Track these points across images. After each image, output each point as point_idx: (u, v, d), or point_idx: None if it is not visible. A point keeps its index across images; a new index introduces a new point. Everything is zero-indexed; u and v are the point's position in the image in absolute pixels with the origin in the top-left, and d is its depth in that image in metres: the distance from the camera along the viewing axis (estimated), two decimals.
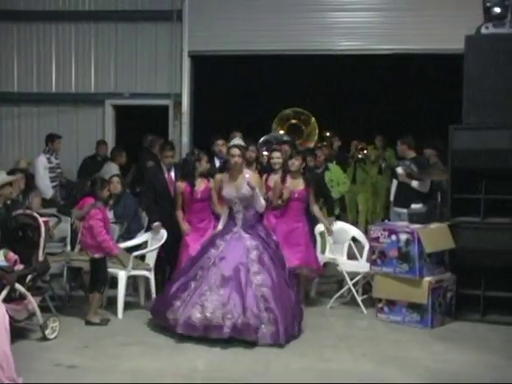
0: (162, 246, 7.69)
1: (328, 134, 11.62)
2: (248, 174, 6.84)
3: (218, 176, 7.09)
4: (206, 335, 6.19)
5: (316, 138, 10.09)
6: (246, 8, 11.21)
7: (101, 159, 10.70)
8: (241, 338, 6.16)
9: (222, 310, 6.19)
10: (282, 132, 9.96)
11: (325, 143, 10.92)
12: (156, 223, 7.87)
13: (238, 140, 6.94)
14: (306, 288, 8.02)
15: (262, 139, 9.30)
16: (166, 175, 8.16)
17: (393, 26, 10.91)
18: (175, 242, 7.73)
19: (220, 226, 6.99)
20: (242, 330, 6.12)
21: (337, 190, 9.13)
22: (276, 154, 7.99)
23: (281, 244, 7.13)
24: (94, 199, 7.14)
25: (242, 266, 6.43)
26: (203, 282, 6.43)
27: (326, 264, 8.23)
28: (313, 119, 10.04)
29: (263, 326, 6.16)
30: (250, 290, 6.30)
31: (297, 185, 7.71)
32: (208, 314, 6.18)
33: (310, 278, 7.98)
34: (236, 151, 6.76)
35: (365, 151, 11.21)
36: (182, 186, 7.63)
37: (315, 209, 7.90)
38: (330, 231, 7.96)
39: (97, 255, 7.02)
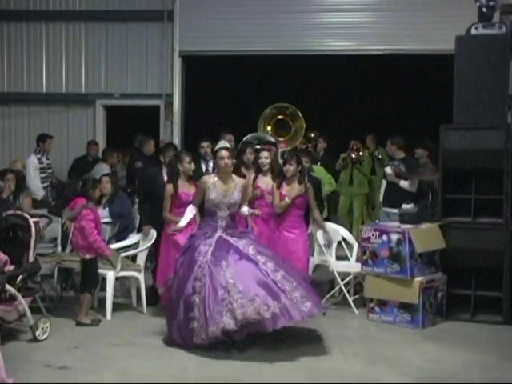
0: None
1: (312, 134, 11.15)
2: (235, 177, 6.64)
3: (206, 177, 6.71)
4: (244, 333, 5.96)
5: (302, 134, 9.63)
6: (238, 8, 11.22)
7: (91, 159, 10.67)
8: (284, 325, 5.95)
9: (252, 306, 5.83)
10: (268, 128, 9.55)
11: (309, 145, 10.64)
12: (146, 226, 7.74)
13: (224, 143, 6.67)
14: None
15: (243, 140, 8.87)
16: (166, 177, 7.66)
17: (384, 27, 10.94)
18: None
19: (181, 223, 6.73)
20: (283, 315, 5.87)
21: (323, 191, 8.99)
22: (264, 154, 7.67)
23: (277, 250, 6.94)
24: (85, 200, 7.13)
25: (250, 261, 6.14)
26: (210, 290, 5.98)
27: (316, 266, 8.21)
28: (300, 113, 9.52)
29: (302, 303, 5.96)
30: (269, 277, 6.02)
31: (292, 190, 7.31)
32: (239, 316, 5.82)
33: None
34: (225, 153, 6.49)
35: (360, 153, 10.95)
36: (171, 188, 7.27)
37: (316, 215, 7.55)
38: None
39: (88, 256, 7.00)
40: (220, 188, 6.48)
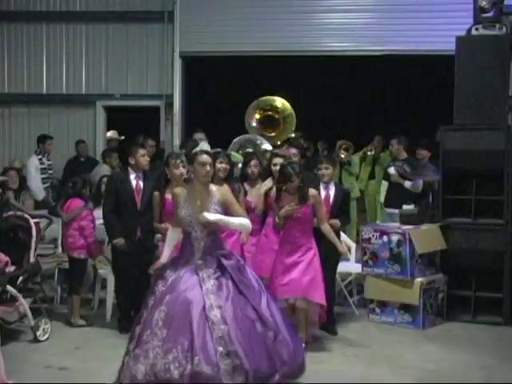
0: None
1: (293, 135, 9.51)
2: (214, 188, 5.25)
3: (178, 189, 5.33)
4: None
5: (294, 124, 8.78)
6: (238, 9, 11.21)
7: (83, 159, 10.70)
8: None
9: (164, 358, 4.65)
10: (257, 116, 8.75)
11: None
12: (117, 240, 6.76)
13: (206, 145, 5.46)
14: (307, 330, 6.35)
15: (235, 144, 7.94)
16: (134, 182, 6.80)
17: (384, 27, 10.92)
18: (143, 263, 6.39)
19: (163, 259, 5.39)
20: (195, 381, 4.59)
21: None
22: (278, 160, 6.58)
23: (277, 272, 6.18)
24: (80, 200, 7.15)
25: (193, 300, 4.82)
26: (146, 325, 4.87)
27: None
28: (279, 104, 8.79)
29: (225, 376, 4.60)
30: (206, 329, 4.70)
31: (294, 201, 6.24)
32: (148, 367, 4.69)
33: (311, 318, 6.32)
34: (207, 158, 5.14)
35: (345, 152, 10.30)
36: (156, 196, 6.50)
37: (325, 228, 6.35)
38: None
39: (82, 256, 7.04)
40: (193, 202, 5.15)
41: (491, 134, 7.40)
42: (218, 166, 6.29)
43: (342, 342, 6.57)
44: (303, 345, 5.71)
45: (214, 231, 5.17)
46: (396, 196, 8.63)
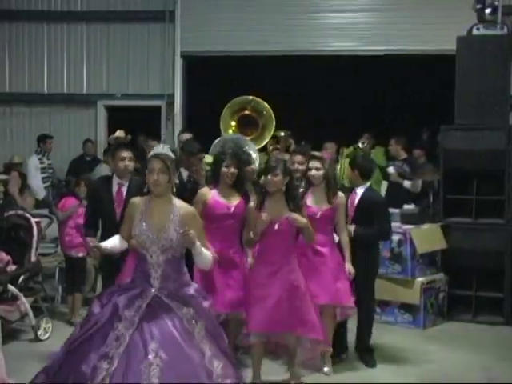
0: None
1: (282, 133, 8.66)
2: (178, 204, 4.20)
3: (137, 199, 4.31)
4: None
5: (272, 131, 8.20)
6: (239, 9, 11.23)
7: (89, 158, 10.70)
8: None
9: None
10: (232, 123, 8.25)
11: (278, 146, 8.69)
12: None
13: (162, 148, 4.26)
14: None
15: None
16: (115, 190, 5.85)
17: (384, 27, 10.94)
18: None
19: (106, 243, 4.45)
20: None
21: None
22: (315, 165, 5.63)
23: (254, 301, 5.11)
24: (75, 198, 7.19)
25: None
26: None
27: None
28: (265, 105, 8.28)
29: None
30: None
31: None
32: None
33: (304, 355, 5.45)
34: (156, 165, 4.12)
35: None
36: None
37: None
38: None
39: (81, 254, 7.06)
40: (150, 219, 4.15)
41: (492, 134, 7.41)
42: (225, 170, 5.43)
43: None
44: None
45: (177, 257, 4.15)
46: (396, 196, 8.63)
